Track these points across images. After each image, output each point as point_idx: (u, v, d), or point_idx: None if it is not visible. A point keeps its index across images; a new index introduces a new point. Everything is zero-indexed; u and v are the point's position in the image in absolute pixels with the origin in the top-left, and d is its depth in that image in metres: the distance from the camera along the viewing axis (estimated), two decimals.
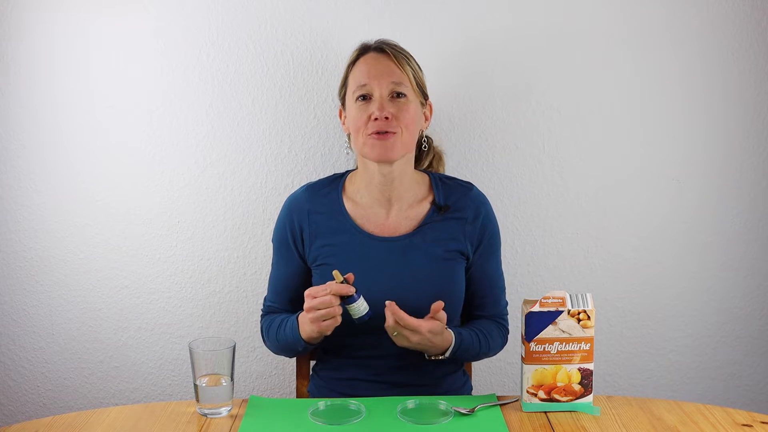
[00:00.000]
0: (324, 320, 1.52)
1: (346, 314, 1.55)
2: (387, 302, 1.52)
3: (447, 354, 1.61)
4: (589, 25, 1.99)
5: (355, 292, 1.51)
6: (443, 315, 1.55)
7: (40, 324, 2.09)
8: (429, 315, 1.55)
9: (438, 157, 1.83)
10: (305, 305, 1.53)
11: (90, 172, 2.02)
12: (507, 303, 1.78)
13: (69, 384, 2.12)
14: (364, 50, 1.67)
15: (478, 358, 1.71)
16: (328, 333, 1.55)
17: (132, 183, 2.03)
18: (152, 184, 2.03)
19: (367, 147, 1.62)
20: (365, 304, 1.53)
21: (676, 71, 2.01)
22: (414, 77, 1.64)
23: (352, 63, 1.67)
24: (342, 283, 1.51)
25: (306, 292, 1.54)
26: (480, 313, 1.74)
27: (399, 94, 1.62)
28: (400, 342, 1.56)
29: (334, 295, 1.50)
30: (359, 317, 1.53)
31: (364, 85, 1.62)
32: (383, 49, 1.65)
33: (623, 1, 1.98)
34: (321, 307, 1.50)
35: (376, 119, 1.59)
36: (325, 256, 1.68)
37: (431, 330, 1.54)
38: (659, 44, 2.00)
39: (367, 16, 1.96)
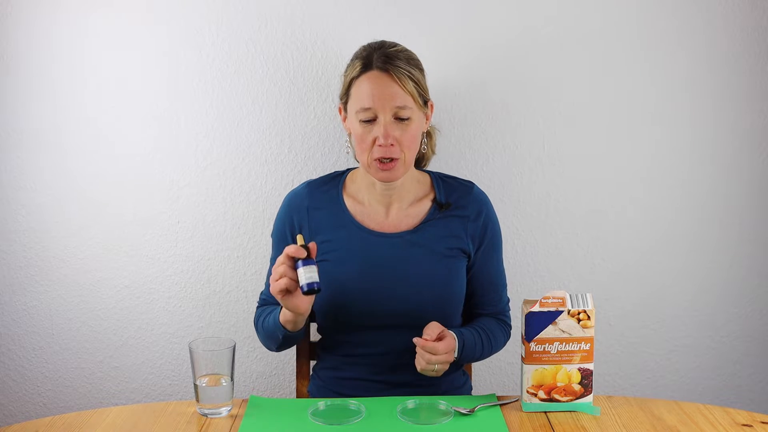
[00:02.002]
0: (277, 280, 1.50)
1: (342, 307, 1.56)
2: (415, 340, 1.53)
3: (455, 355, 1.60)
4: (590, 25, 1.99)
5: (307, 259, 1.47)
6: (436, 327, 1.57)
7: (40, 324, 2.09)
8: (429, 334, 1.55)
9: (429, 137, 1.79)
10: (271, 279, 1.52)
11: (90, 172, 2.02)
12: (508, 299, 1.78)
13: (69, 384, 2.12)
14: (366, 65, 1.61)
15: (483, 356, 1.71)
16: (277, 296, 1.51)
17: (132, 183, 2.03)
18: (152, 184, 2.03)
19: (371, 170, 1.63)
20: (312, 275, 1.47)
21: (677, 71, 2.01)
22: (417, 90, 1.61)
23: (356, 77, 1.62)
24: (301, 246, 1.49)
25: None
26: (481, 311, 1.75)
27: (403, 117, 1.60)
28: (431, 374, 1.57)
29: (287, 255, 1.49)
30: (301, 284, 1.47)
31: (368, 109, 1.59)
32: (387, 69, 1.60)
33: (624, 0, 1.98)
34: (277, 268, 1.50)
35: (380, 145, 1.59)
36: (325, 252, 1.68)
37: (447, 348, 1.55)
38: (660, 44, 2.00)
39: (367, 16, 1.96)
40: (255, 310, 1.80)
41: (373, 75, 1.61)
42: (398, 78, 1.59)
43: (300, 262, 1.48)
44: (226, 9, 1.96)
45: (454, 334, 1.60)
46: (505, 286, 1.78)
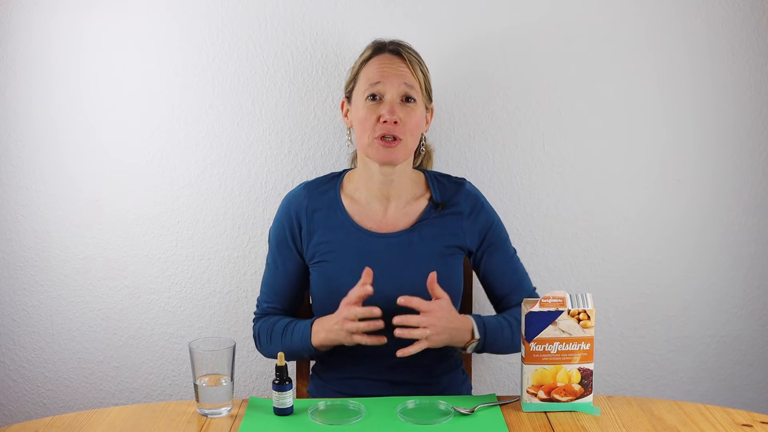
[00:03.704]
0: (356, 332, 1.53)
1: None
2: (400, 298, 1.53)
3: (476, 335, 1.59)
4: (590, 25, 1.99)
5: (281, 384, 1.46)
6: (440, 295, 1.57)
7: (40, 324, 2.09)
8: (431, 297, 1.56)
9: (428, 155, 1.83)
10: (345, 313, 1.52)
11: (90, 172, 2.02)
12: (535, 287, 1.77)
13: (69, 384, 2.12)
14: (378, 49, 1.67)
15: (513, 341, 1.65)
16: (352, 337, 1.55)
17: (132, 183, 2.03)
18: (152, 184, 2.03)
19: (372, 149, 1.63)
20: (284, 401, 1.46)
21: (677, 71, 2.01)
22: (424, 82, 1.66)
23: (366, 60, 1.67)
24: (279, 367, 1.47)
25: (344, 302, 1.54)
26: (507, 304, 1.73)
27: (409, 98, 1.63)
28: (434, 340, 1.54)
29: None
30: (274, 405, 1.47)
31: (377, 83, 1.62)
32: (398, 51, 1.66)
33: (623, 0, 1.98)
34: (357, 318, 1.52)
35: (385, 122, 1.60)
36: (323, 253, 1.68)
37: (442, 307, 1.54)
38: (661, 44, 2.00)
39: (367, 16, 1.96)
40: (253, 320, 1.78)
41: (385, 56, 1.66)
42: (409, 61, 1.65)
43: (274, 386, 1.47)
44: (226, 9, 1.96)
45: (467, 316, 1.61)
46: (525, 275, 1.76)
